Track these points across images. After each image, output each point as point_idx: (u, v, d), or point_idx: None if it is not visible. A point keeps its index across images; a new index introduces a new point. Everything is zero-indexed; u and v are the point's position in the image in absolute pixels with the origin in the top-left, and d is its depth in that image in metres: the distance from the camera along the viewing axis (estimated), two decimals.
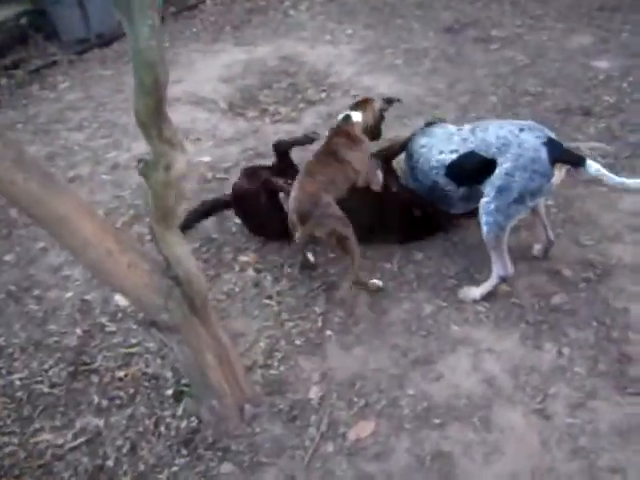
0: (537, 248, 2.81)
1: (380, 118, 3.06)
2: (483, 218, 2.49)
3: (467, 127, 2.69)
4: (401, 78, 4.68)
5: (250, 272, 2.89)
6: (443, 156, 2.66)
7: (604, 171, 2.40)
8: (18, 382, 2.46)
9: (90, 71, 5.54)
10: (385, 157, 3.00)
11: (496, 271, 2.57)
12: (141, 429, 2.22)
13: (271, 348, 2.49)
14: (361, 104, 2.98)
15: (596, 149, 3.60)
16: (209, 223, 3.23)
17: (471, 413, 2.16)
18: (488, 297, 2.60)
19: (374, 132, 3.04)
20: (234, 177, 3.54)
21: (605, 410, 2.14)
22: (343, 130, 2.83)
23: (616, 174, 3.16)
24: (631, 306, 2.53)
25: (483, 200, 2.50)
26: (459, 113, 4.10)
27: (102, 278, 1.84)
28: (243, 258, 2.98)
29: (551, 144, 2.41)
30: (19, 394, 2.40)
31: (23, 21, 6.12)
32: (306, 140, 3.07)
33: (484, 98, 4.26)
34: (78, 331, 2.68)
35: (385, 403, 2.22)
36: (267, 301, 2.72)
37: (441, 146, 2.70)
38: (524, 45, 5.05)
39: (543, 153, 2.38)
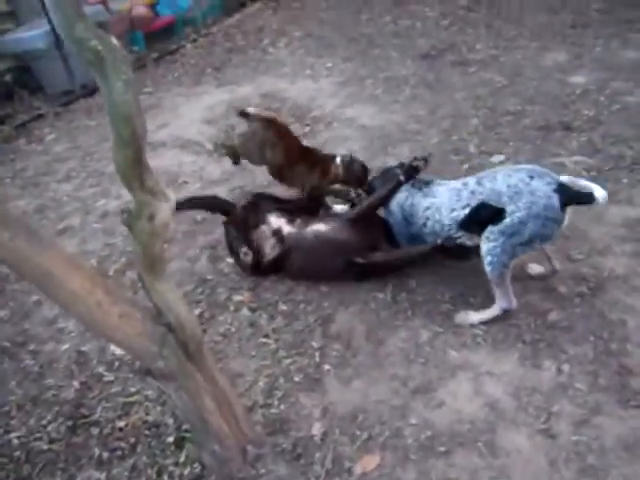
0: (534, 269, 2.81)
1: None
2: (487, 258, 2.50)
3: (471, 179, 2.65)
4: (382, 107, 4.75)
5: (245, 311, 2.89)
6: (455, 213, 2.63)
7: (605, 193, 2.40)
8: (16, 441, 2.42)
9: (76, 121, 5.61)
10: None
11: (499, 304, 2.57)
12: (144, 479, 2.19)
13: (270, 387, 2.47)
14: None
15: (579, 163, 3.65)
16: (202, 264, 3.24)
17: (475, 438, 2.14)
18: (485, 321, 2.60)
19: None
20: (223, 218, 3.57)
21: (610, 425, 2.12)
22: None
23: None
24: (627, 318, 2.53)
25: (490, 244, 2.49)
26: (442, 137, 4.15)
27: (94, 330, 1.84)
28: (237, 298, 2.98)
29: (562, 189, 2.40)
30: (17, 453, 2.37)
31: (8, 78, 6.22)
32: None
33: (465, 121, 4.32)
34: (75, 383, 2.65)
35: (388, 434, 2.20)
36: (264, 339, 2.71)
37: (451, 204, 2.65)
38: (501, 66, 5.15)
39: (555, 200, 2.38)
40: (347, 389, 2.41)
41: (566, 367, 2.36)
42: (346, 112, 4.78)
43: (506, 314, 2.60)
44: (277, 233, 2.99)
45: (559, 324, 2.54)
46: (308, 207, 3.18)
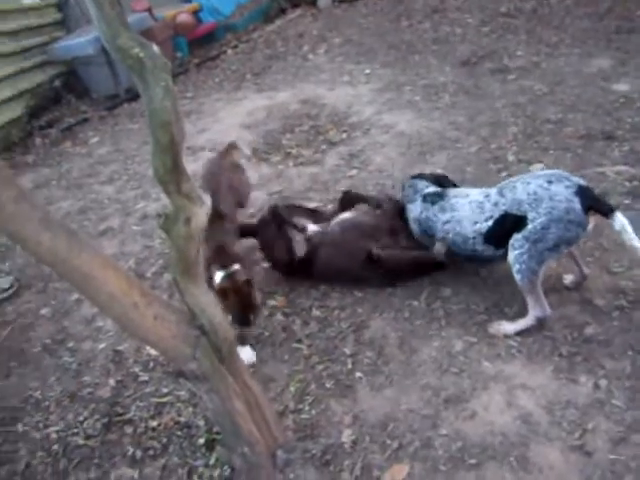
0: (568, 278, 2.76)
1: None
2: (515, 266, 2.48)
3: (492, 190, 2.64)
4: (420, 114, 4.72)
5: (279, 316, 2.91)
6: (478, 226, 2.62)
7: (629, 229, 2.34)
8: (54, 435, 2.50)
9: (119, 125, 5.75)
10: None
11: (533, 313, 2.54)
12: (175, 479, 2.22)
13: (302, 392, 2.48)
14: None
15: (622, 173, 3.56)
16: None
17: (507, 452, 2.10)
18: (519, 332, 2.56)
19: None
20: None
21: None
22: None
23: None
24: None
25: (515, 252, 2.47)
26: (480, 145, 4.11)
27: (129, 331, 1.87)
28: (271, 302, 3.00)
29: (582, 192, 2.37)
30: (55, 447, 2.44)
31: (57, 83, 6.42)
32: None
33: (504, 129, 4.26)
34: (111, 382, 2.72)
35: (419, 444, 2.18)
36: (296, 345, 2.73)
37: (473, 217, 2.64)
38: (542, 73, 5.06)
39: (576, 203, 2.35)
40: (378, 397, 2.41)
41: (603, 382, 2.30)
42: (384, 119, 4.77)
43: (541, 325, 2.55)
44: (303, 231, 3.03)
45: (596, 338, 2.48)
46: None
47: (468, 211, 2.67)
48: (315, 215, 3.18)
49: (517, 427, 2.19)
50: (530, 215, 2.43)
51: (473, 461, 2.09)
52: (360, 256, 2.91)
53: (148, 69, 1.33)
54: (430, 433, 2.22)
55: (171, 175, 1.48)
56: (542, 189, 2.42)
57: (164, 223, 1.60)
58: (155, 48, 1.32)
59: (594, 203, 2.38)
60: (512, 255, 2.49)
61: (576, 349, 2.44)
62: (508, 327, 2.58)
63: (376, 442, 2.22)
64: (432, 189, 2.91)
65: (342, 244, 2.95)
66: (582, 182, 2.43)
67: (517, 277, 2.49)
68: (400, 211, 3.06)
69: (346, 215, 3.07)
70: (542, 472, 2.03)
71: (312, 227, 3.04)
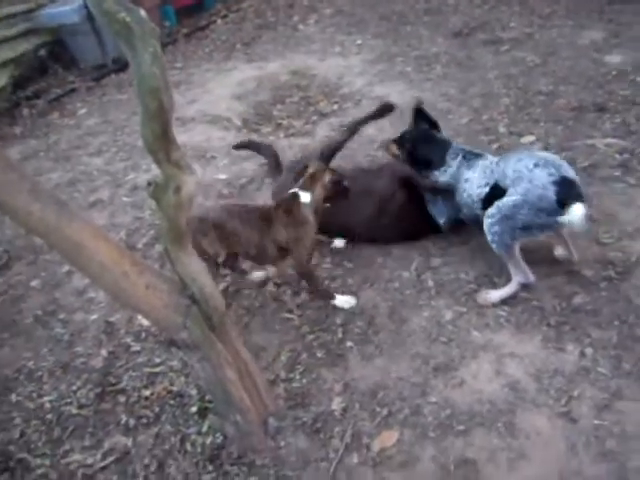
0: (559, 250, 2.78)
1: (332, 189, 2.68)
2: (489, 236, 2.54)
3: (497, 158, 2.69)
4: (412, 85, 4.70)
5: (269, 287, 2.92)
6: (479, 190, 2.67)
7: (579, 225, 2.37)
8: (48, 405, 2.51)
9: (107, 96, 5.67)
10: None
11: (516, 279, 2.57)
12: (167, 447, 2.25)
13: (293, 361, 2.50)
14: (310, 182, 2.65)
15: (612, 145, 3.57)
16: None
17: (495, 419, 2.14)
18: (508, 300, 2.59)
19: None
20: (250, 193, 3.60)
21: (632, 410, 2.10)
22: (288, 207, 2.62)
23: (634, 169, 3.17)
24: None
25: (487, 220, 2.53)
26: (472, 116, 4.10)
27: (121, 300, 1.88)
28: (262, 273, 3.01)
29: (563, 184, 2.37)
30: (49, 416, 2.45)
31: (42, 52, 6.30)
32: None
33: (496, 100, 4.25)
34: (104, 352, 2.73)
35: (408, 412, 2.22)
36: (287, 315, 2.74)
37: (479, 180, 2.69)
38: (534, 45, 5.04)
39: (551, 192, 2.36)
40: (369, 366, 2.43)
41: (589, 351, 2.34)
42: (375, 90, 4.74)
43: (527, 292, 2.59)
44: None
45: (584, 307, 2.52)
46: None
47: (478, 174, 2.72)
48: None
49: (505, 394, 2.23)
50: (509, 191, 2.48)
51: (461, 427, 2.13)
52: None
53: (136, 34, 1.31)
54: (419, 401, 2.25)
55: (160, 143, 1.47)
56: (526, 170, 2.45)
57: (154, 192, 1.60)
58: (142, 12, 1.30)
59: (575, 197, 2.36)
60: (485, 223, 2.55)
61: (564, 319, 2.48)
62: (494, 295, 2.61)
63: (366, 410, 2.26)
64: (469, 148, 2.92)
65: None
66: (569, 174, 2.41)
67: (492, 246, 2.55)
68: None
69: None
70: (529, 438, 2.07)
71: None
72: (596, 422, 2.08)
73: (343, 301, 2.72)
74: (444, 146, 2.91)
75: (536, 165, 2.44)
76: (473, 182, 2.72)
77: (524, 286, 2.58)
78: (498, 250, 2.56)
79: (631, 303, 2.50)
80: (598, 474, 1.93)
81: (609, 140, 3.62)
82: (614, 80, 4.26)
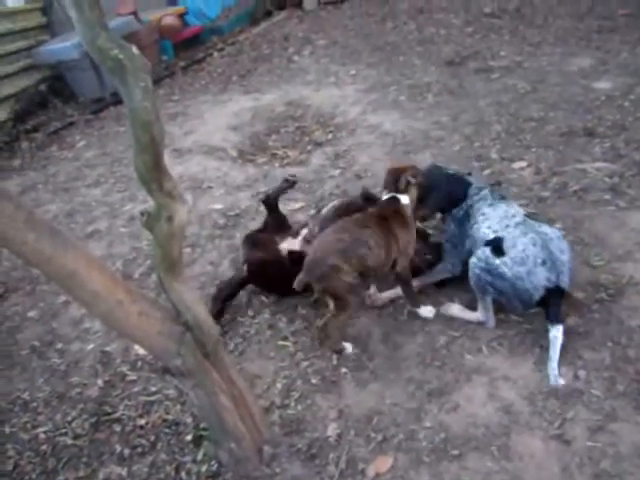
0: None
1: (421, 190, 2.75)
2: (470, 272, 2.57)
3: (519, 217, 2.63)
4: (405, 114, 4.78)
5: (265, 315, 2.94)
6: (488, 231, 2.63)
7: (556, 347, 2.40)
8: (43, 435, 2.51)
9: (106, 128, 5.75)
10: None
11: (479, 315, 2.62)
12: (162, 476, 2.24)
13: (288, 388, 2.51)
14: (405, 184, 2.66)
15: (602, 169, 3.62)
16: (224, 268, 3.30)
17: (489, 442, 2.15)
18: (501, 324, 2.62)
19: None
20: (245, 223, 3.64)
21: (626, 431, 2.11)
22: (394, 209, 2.62)
23: (623, 192, 3.21)
24: None
25: (474, 260, 2.56)
26: (464, 143, 4.16)
27: (115, 328, 1.90)
28: (257, 301, 3.03)
29: (553, 294, 2.44)
30: (44, 447, 2.45)
31: (42, 87, 6.42)
32: (288, 185, 3.16)
33: (488, 127, 4.32)
34: (99, 382, 2.73)
35: (403, 437, 2.22)
36: (282, 342, 2.76)
37: (492, 222, 2.64)
38: (524, 72, 5.14)
39: (537, 294, 2.43)
40: (363, 392, 2.44)
41: (582, 373, 2.35)
42: (369, 119, 4.82)
43: (522, 318, 2.63)
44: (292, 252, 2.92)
45: (576, 330, 2.53)
46: None
47: (499, 215, 2.67)
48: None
49: (499, 418, 2.23)
50: (507, 260, 2.48)
51: (456, 452, 2.13)
52: None
53: (127, 70, 1.36)
54: (414, 426, 2.26)
55: (152, 174, 1.51)
56: (532, 260, 2.44)
57: (147, 221, 1.63)
58: (134, 49, 1.35)
59: (551, 315, 2.44)
60: (471, 260, 2.59)
61: None
62: (454, 309, 2.70)
63: (361, 435, 2.26)
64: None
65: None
66: (564, 283, 2.46)
67: (470, 281, 2.59)
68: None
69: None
70: (523, 460, 2.07)
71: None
72: (590, 444, 2.08)
73: (427, 311, 2.74)
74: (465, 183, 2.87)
75: (543, 263, 2.43)
76: (488, 220, 2.66)
77: (481, 323, 2.64)
78: (474, 287, 2.58)
79: (623, 324, 2.52)
80: None
81: (599, 164, 3.68)
82: (603, 105, 4.34)
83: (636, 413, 2.17)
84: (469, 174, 2.95)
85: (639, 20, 5.82)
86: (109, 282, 1.74)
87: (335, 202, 3.13)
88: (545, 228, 2.59)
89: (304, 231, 2.97)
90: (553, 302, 2.45)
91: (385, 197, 2.69)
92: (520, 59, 5.40)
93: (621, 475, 1.98)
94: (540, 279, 2.42)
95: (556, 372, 2.33)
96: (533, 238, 2.49)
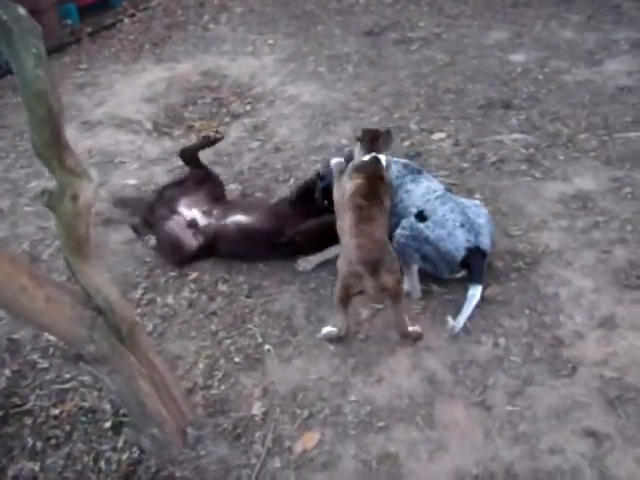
0: None
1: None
2: (395, 245, 2.57)
3: (441, 192, 2.71)
4: (325, 85, 4.70)
5: (185, 293, 2.84)
6: (413, 209, 2.68)
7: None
8: None
9: (4, 99, 5.33)
10: None
11: (406, 285, 2.61)
12: (80, 467, 2.13)
13: (210, 368, 2.44)
14: (375, 143, 2.65)
15: (519, 140, 3.71)
16: (140, 246, 3.16)
17: (414, 412, 2.17)
18: (423, 295, 2.64)
19: None
20: None
21: (542, 394, 2.19)
22: (379, 175, 2.57)
23: (538, 163, 3.30)
24: (561, 291, 2.61)
25: (399, 230, 2.61)
26: (383, 115, 4.15)
27: (20, 316, 1.77)
28: (176, 279, 2.92)
29: (474, 253, 2.54)
30: None
31: None
32: (208, 141, 3.08)
33: (407, 99, 4.32)
34: (7, 372, 2.55)
35: (328, 412, 2.21)
36: (204, 321, 2.67)
37: (415, 198, 2.71)
38: (443, 44, 5.17)
39: (459, 255, 2.53)
40: (288, 368, 2.41)
41: (502, 340, 2.41)
42: (288, 90, 4.71)
43: (443, 288, 2.68)
44: (193, 225, 2.96)
45: (496, 298, 2.60)
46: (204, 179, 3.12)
47: (420, 192, 2.77)
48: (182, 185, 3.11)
49: (423, 388, 2.26)
50: (429, 224, 2.58)
51: (382, 424, 2.15)
52: (267, 249, 2.92)
53: (14, 34, 1.21)
54: (339, 400, 2.25)
55: (52, 149, 1.38)
56: (452, 224, 2.56)
57: (48, 200, 1.50)
58: (21, 10, 1.20)
59: (475, 273, 2.55)
60: (396, 232, 2.62)
61: (477, 310, 2.53)
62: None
63: (286, 412, 2.23)
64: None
65: (244, 243, 2.92)
66: (485, 244, 2.57)
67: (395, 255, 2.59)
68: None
69: (243, 220, 2.95)
70: (447, 428, 2.11)
71: (204, 220, 2.99)
72: (509, 408, 2.15)
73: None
74: None
75: (462, 225, 2.54)
76: (413, 197, 2.72)
77: (407, 294, 2.64)
78: (399, 257, 2.56)
79: (540, 292, 2.61)
80: (512, 456, 2.00)
81: (515, 135, 3.77)
82: (519, 78, 4.44)
83: (551, 377, 2.25)
84: (418, 155, 3.04)
85: None
86: (10, 267, 1.60)
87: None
88: (463, 200, 2.72)
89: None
90: (475, 263, 2.53)
91: (366, 157, 2.61)
92: (439, 31, 5.43)
93: (538, 436, 2.05)
94: (460, 240, 2.52)
95: (460, 325, 2.41)
96: (452, 206, 2.61)
